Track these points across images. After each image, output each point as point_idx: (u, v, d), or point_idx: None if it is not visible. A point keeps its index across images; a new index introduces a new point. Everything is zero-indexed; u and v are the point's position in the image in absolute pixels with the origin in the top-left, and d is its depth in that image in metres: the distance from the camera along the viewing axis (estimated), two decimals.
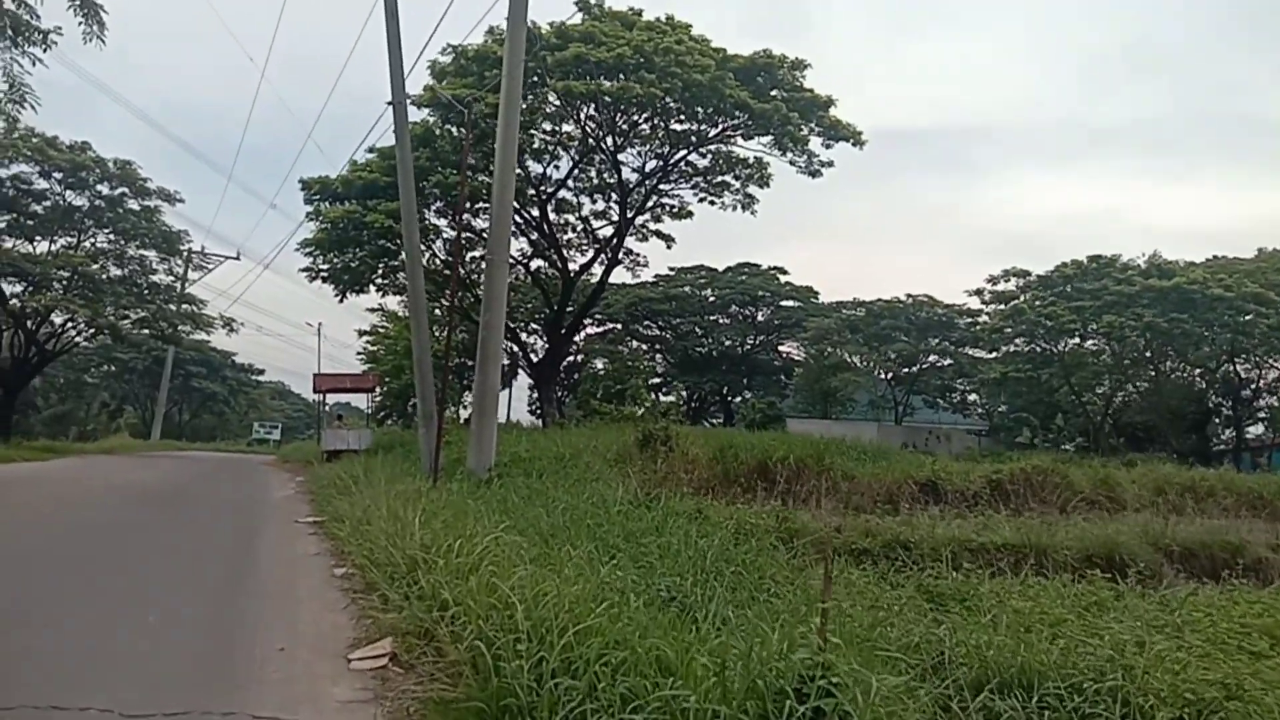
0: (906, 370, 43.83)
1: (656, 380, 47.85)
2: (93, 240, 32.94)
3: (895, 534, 11.97)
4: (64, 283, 30.67)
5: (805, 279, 49.73)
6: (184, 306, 35.94)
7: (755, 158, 28.77)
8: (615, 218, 30.78)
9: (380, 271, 28.43)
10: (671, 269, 46.88)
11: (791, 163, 27.32)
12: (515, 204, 19.97)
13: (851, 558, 10.60)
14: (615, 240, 31.11)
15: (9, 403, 32.30)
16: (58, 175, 30.86)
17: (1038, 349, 37.52)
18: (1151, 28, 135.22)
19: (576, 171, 29.58)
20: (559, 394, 38.61)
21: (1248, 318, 32.86)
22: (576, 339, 39.60)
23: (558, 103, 25.73)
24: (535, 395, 40.10)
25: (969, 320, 42.03)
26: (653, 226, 32.56)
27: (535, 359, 35.73)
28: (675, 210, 31.68)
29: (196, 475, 21.39)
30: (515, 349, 36.12)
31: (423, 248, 22.88)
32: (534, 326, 38.91)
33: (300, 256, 27.75)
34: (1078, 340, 36.95)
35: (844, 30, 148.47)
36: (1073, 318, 34.51)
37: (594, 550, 7.24)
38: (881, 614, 6.45)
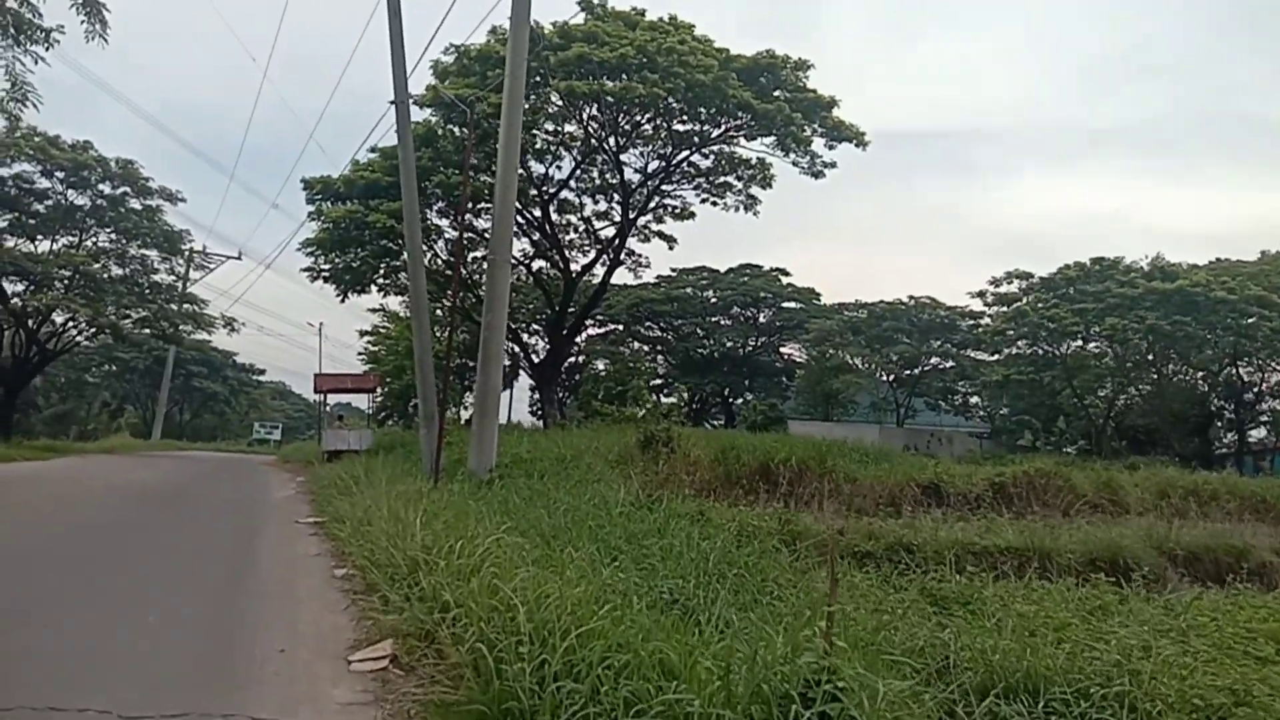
0: (908, 372, 43.76)
1: (658, 382, 47.82)
2: (94, 239, 32.98)
3: (898, 536, 11.91)
4: (65, 282, 30.68)
5: (807, 280, 49.79)
6: (185, 306, 35.98)
7: (758, 158, 28.82)
8: (617, 218, 30.80)
9: (382, 271, 28.43)
10: (673, 270, 46.93)
11: (794, 164, 27.34)
12: (517, 204, 19.96)
13: (854, 560, 10.54)
14: (617, 241, 31.10)
15: (10, 402, 32.31)
16: (60, 174, 30.89)
17: (1040, 351, 37.44)
18: (1152, 29, 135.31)
19: (579, 172, 29.58)
20: (560, 395, 38.61)
21: (1251, 320, 32.74)
22: (578, 340, 39.61)
23: (560, 103, 25.72)
24: (536, 396, 40.12)
25: (971, 322, 41.96)
26: (655, 227, 32.62)
27: (536, 360, 35.72)
28: (677, 211, 31.71)
29: (197, 475, 21.37)
30: (516, 350, 36.12)
31: (425, 248, 22.89)
32: (535, 327, 38.94)
33: (302, 256, 27.80)
34: (1080, 343, 36.86)
35: (846, 31, 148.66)
36: (1075, 320, 34.43)
37: (596, 552, 7.20)
38: (885, 617, 6.40)
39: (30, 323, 31.37)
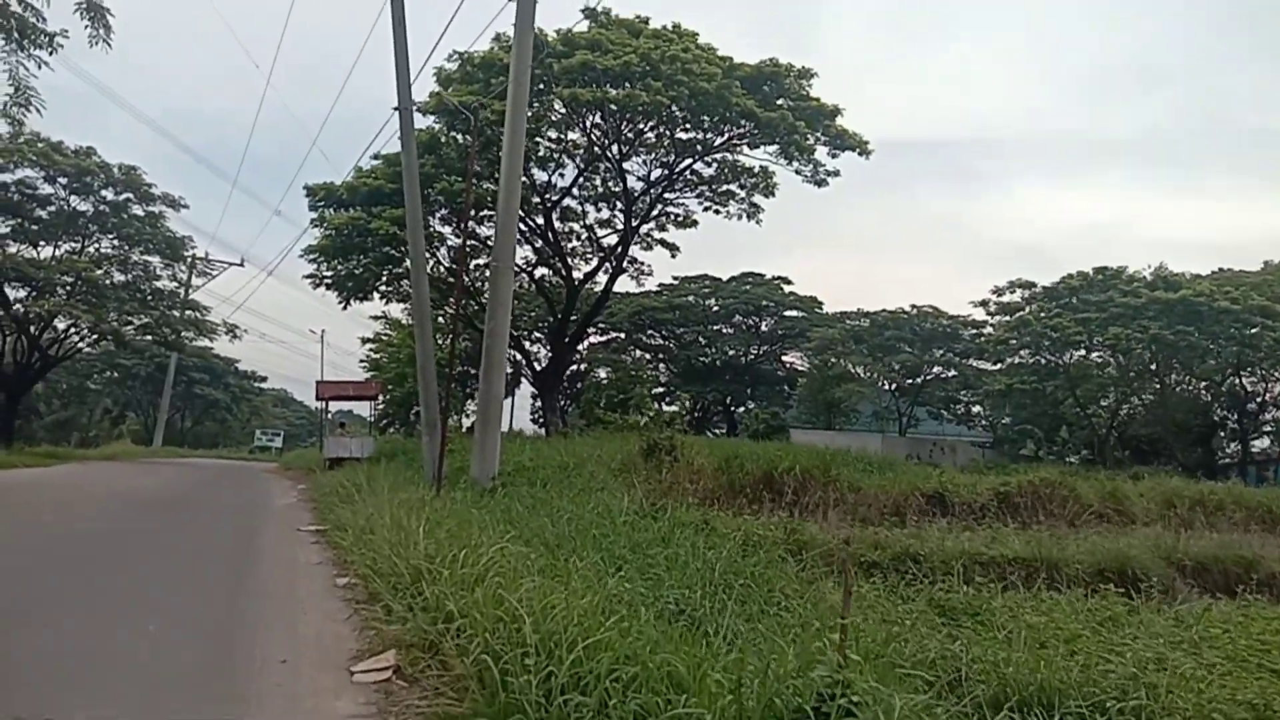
0: (911, 381, 43.63)
1: (660, 390, 47.76)
2: (97, 245, 33.02)
3: (904, 546, 11.84)
4: (67, 288, 30.67)
5: (809, 289, 49.84)
6: (187, 313, 35.99)
7: (761, 167, 28.73)
8: (620, 226, 30.73)
9: (384, 279, 28.40)
10: (676, 278, 46.86)
11: (797, 172, 27.27)
12: (520, 211, 19.92)
13: (861, 570, 10.47)
14: (620, 249, 31.06)
15: (11, 408, 32.29)
16: (62, 180, 30.92)
17: (1043, 361, 37.34)
18: (1156, 40, 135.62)
19: (581, 180, 29.55)
20: (562, 403, 38.55)
21: (1254, 330, 32.66)
22: (580, 348, 39.53)
23: (563, 110, 25.71)
24: (538, 404, 40.01)
25: (974, 332, 41.87)
26: (657, 235, 32.51)
27: (538, 367, 35.66)
28: (680, 219, 31.64)
29: (198, 482, 21.32)
30: (518, 357, 36.06)
31: (427, 255, 22.84)
32: (537, 335, 38.89)
33: (304, 263, 27.77)
34: (1083, 352, 36.77)
35: (849, 41, 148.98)
36: (1078, 329, 34.36)
37: (600, 561, 7.14)
38: (895, 629, 6.32)
39: (32, 329, 31.38)
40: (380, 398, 34.44)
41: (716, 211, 30.30)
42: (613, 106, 24.76)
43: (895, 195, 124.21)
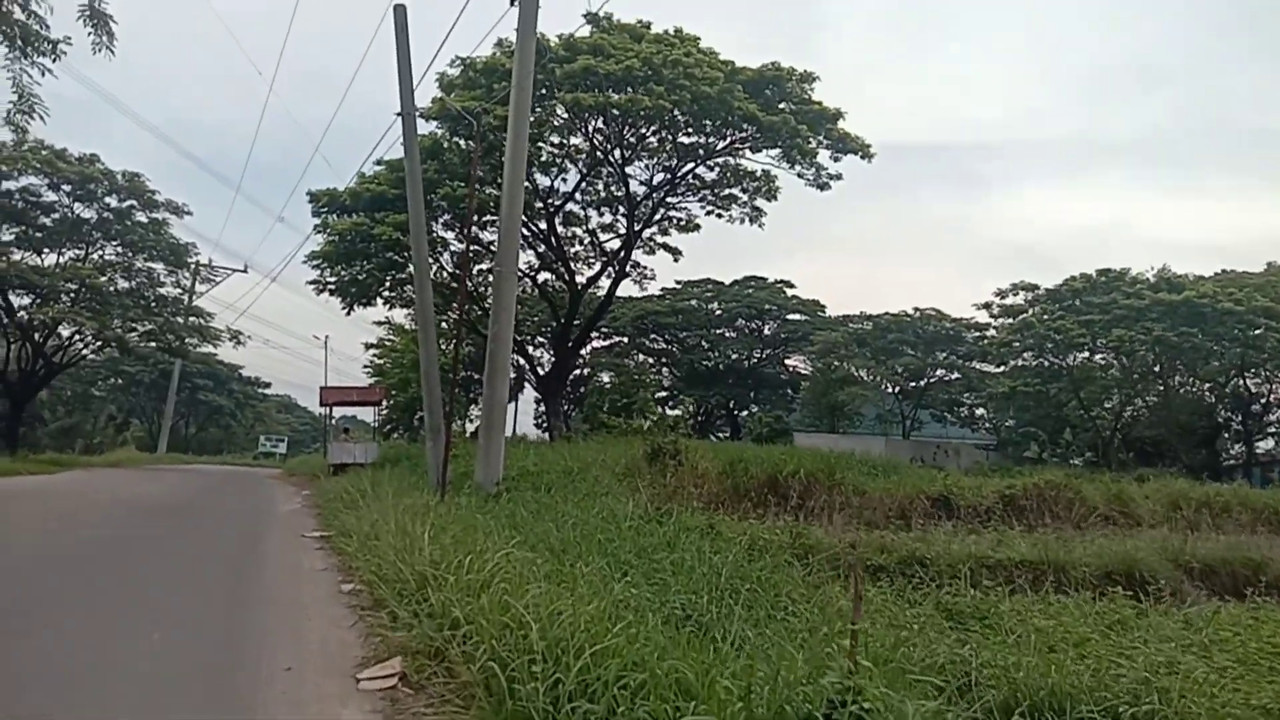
0: (914, 384, 43.56)
1: (663, 394, 47.76)
2: (101, 252, 33.13)
3: (911, 550, 11.77)
4: (72, 295, 30.76)
5: (812, 292, 49.82)
6: (191, 319, 36.09)
7: (763, 170, 28.75)
8: (622, 230, 30.77)
9: (388, 284, 28.46)
10: (678, 282, 46.88)
11: (800, 175, 27.27)
12: (523, 217, 19.92)
13: (867, 574, 10.42)
14: (622, 253, 31.07)
15: (16, 415, 32.35)
16: (66, 187, 31.03)
17: (1046, 363, 37.29)
18: (1155, 40, 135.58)
19: (584, 184, 29.57)
20: (565, 407, 38.50)
21: (1258, 332, 32.59)
22: (583, 352, 39.54)
23: (566, 115, 25.74)
24: (541, 409, 40.00)
25: (977, 334, 41.81)
26: (660, 239, 32.55)
27: (542, 372, 35.64)
28: (682, 223, 31.66)
29: (202, 489, 21.31)
30: (522, 362, 36.06)
31: (430, 260, 22.84)
32: (541, 339, 38.89)
33: (307, 269, 27.85)
34: (1086, 354, 36.72)
35: (851, 44, 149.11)
36: (1081, 331, 34.32)
37: (606, 566, 7.11)
38: (903, 633, 6.28)
39: (36, 336, 31.45)
40: (384, 403, 34.46)
41: (719, 215, 30.36)
42: (615, 111, 24.77)
43: (897, 198, 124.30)
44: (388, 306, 31.25)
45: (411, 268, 19.90)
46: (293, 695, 4.86)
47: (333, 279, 27.64)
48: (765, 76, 25.69)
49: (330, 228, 26.23)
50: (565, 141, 27.48)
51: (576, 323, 32.13)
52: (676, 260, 33.36)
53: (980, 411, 45.31)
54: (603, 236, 32.08)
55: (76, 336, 32.94)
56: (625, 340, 47.28)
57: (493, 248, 24.73)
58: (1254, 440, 37.78)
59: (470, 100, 22.76)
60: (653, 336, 47.50)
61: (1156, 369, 35.77)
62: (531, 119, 19.01)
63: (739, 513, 14.52)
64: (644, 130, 26.55)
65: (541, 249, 31.16)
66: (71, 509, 14.47)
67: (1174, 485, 20.66)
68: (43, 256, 31.85)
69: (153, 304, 33.86)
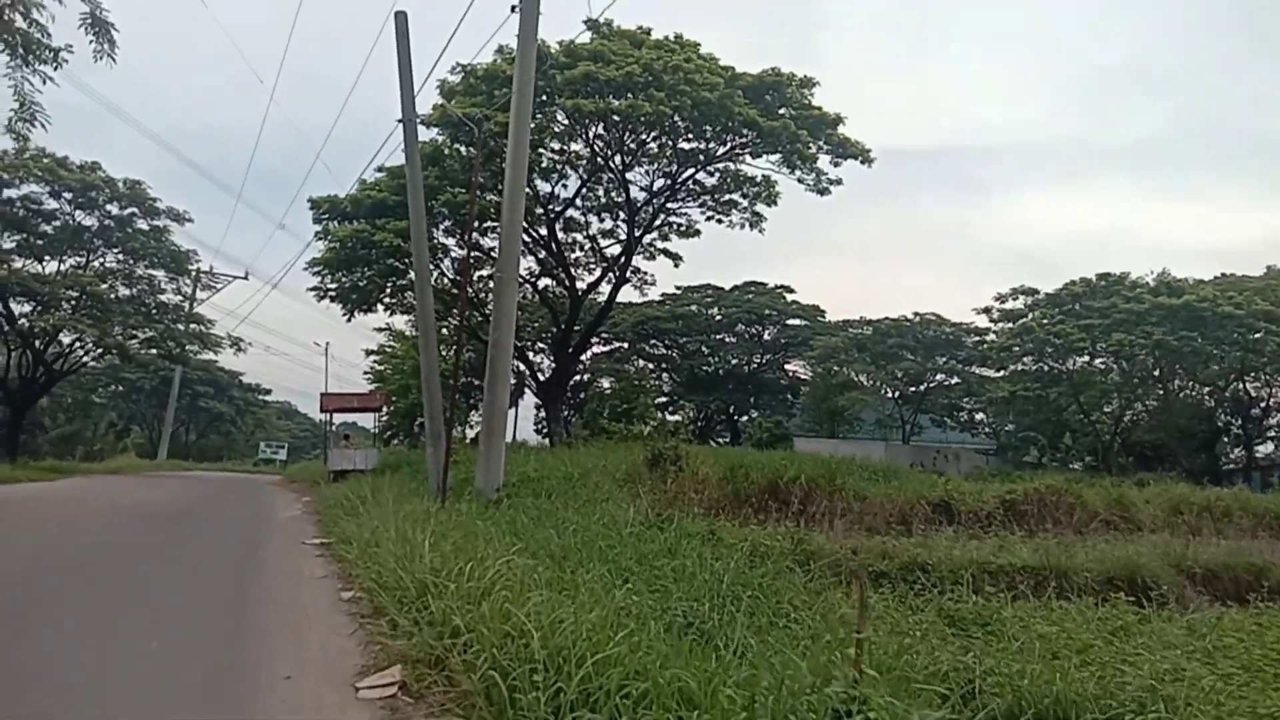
0: (914, 389, 43.53)
1: (663, 399, 47.73)
2: (101, 260, 33.07)
3: (912, 556, 11.73)
4: (72, 302, 30.72)
5: (812, 297, 49.74)
6: (192, 326, 36.00)
7: (763, 176, 28.74)
8: (623, 236, 30.76)
9: (388, 290, 28.42)
10: (678, 288, 46.88)
11: (800, 181, 27.24)
12: (524, 222, 19.91)
13: (869, 580, 10.39)
14: (623, 259, 31.06)
15: (16, 422, 32.29)
16: (68, 195, 31.01)
17: (1046, 368, 37.24)
18: (1157, 47, 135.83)
19: (584, 190, 29.57)
20: (566, 413, 38.47)
21: (1258, 336, 32.56)
22: (583, 358, 39.49)
23: (566, 121, 25.75)
24: (542, 414, 39.97)
25: (976, 339, 41.78)
26: (660, 245, 32.53)
27: (542, 378, 35.61)
28: (683, 229, 31.63)
29: (203, 495, 21.28)
30: (522, 368, 36.02)
31: (431, 267, 22.84)
32: (541, 345, 38.85)
33: (308, 276, 27.78)
34: (1086, 359, 36.65)
35: (851, 46, 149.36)
36: (1081, 336, 34.27)
37: (607, 573, 7.09)
38: (906, 640, 6.25)
39: (37, 343, 31.42)
40: (384, 409, 34.42)
41: (719, 221, 30.34)
42: (615, 117, 24.79)
43: (897, 203, 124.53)
44: (388, 313, 31.21)
45: (412, 274, 19.86)
46: (292, 703, 4.84)
47: (333, 285, 27.62)
48: (765, 82, 25.71)
49: (331, 234, 26.21)
50: (566, 147, 27.50)
51: (577, 328, 32.12)
52: (677, 266, 33.38)
53: (980, 416, 45.24)
54: (603, 242, 32.13)
55: (77, 343, 32.89)
56: (625, 346, 47.26)
57: (493, 254, 24.72)
58: (1254, 444, 37.71)
59: (471, 107, 22.78)
60: (653, 342, 47.47)
61: (1156, 373, 35.74)
62: (532, 125, 19.02)
63: (740, 518, 14.50)
64: (644, 136, 26.57)
65: (542, 255, 31.19)
66: (72, 515, 14.44)
67: (1175, 490, 20.63)
68: (44, 264, 31.83)
69: (153, 311, 33.78)
